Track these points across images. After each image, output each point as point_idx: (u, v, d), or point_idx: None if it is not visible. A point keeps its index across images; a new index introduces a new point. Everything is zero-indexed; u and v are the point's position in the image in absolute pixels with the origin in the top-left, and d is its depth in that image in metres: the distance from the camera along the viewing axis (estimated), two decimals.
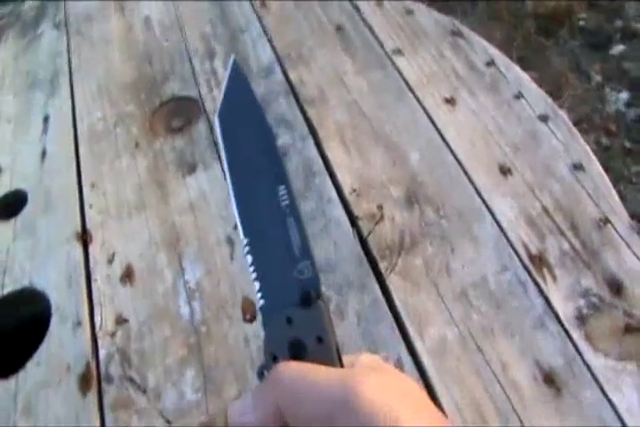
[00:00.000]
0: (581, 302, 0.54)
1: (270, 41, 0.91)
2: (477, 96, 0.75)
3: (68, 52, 1.04)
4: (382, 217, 0.64)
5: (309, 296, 0.29)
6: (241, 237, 0.33)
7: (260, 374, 0.29)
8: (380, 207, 0.65)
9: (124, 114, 0.88)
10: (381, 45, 0.85)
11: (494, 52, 0.80)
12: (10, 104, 0.98)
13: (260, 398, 0.27)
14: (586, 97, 1.51)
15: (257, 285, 0.31)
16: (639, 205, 1.30)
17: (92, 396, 0.58)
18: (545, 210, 0.61)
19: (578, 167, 0.64)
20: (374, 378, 0.25)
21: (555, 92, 1.43)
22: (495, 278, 0.57)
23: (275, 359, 0.28)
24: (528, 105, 0.72)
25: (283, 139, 0.76)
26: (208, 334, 0.60)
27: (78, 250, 0.72)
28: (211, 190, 0.73)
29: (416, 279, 0.58)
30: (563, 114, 0.70)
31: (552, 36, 1.65)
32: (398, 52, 0.84)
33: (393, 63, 0.82)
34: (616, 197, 0.60)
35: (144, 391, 0.58)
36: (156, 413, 0.56)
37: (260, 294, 0.31)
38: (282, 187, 0.33)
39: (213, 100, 0.85)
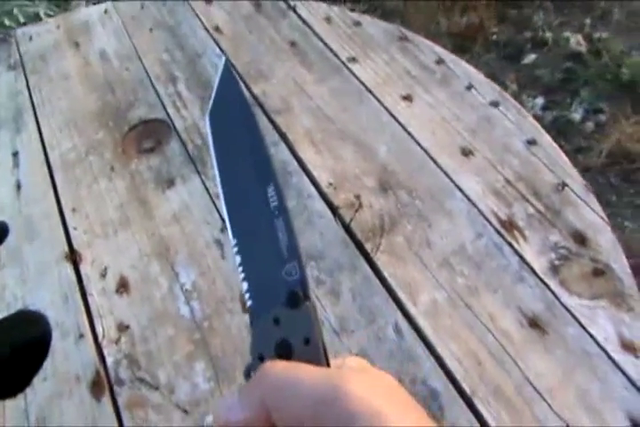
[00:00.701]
0: (552, 255, 0.62)
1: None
2: (431, 91, 0.84)
3: (29, 90, 1.10)
4: (361, 205, 0.72)
5: (297, 297, 0.30)
6: (230, 238, 0.34)
7: (247, 375, 0.29)
8: (358, 197, 0.73)
9: (94, 141, 0.94)
10: (336, 55, 0.94)
11: (441, 50, 0.90)
12: None
13: (246, 395, 0.28)
14: None
15: (245, 285, 0.32)
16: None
17: (106, 400, 0.62)
18: (507, 181, 0.70)
19: (531, 142, 0.73)
20: (362, 377, 0.26)
21: None
22: (472, 245, 0.64)
23: (261, 359, 0.29)
24: (479, 94, 0.81)
25: None
26: (211, 328, 0.65)
27: (69, 269, 0.76)
28: (192, 200, 0.79)
29: (401, 254, 0.65)
30: (511, 99, 0.79)
31: (467, 51, 1.78)
32: (352, 59, 0.93)
33: (349, 70, 0.91)
34: (569, 164, 0.69)
35: (157, 388, 0.62)
36: (172, 406, 0.60)
37: (248, 295, 0.32)
38: (271, 188, 0.33)
39: (183, 119, 0.92)
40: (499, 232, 0.65)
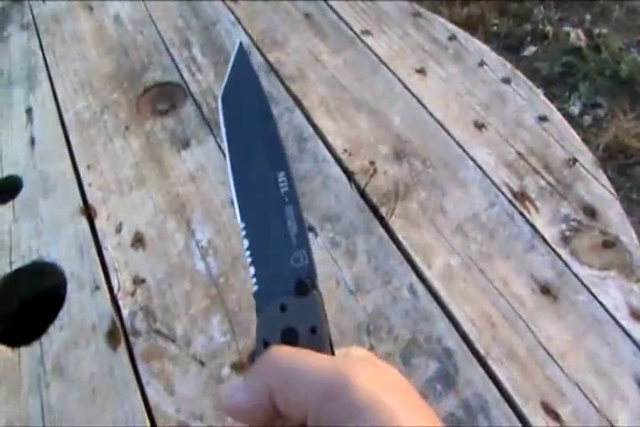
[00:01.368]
0: (563, 226, 0.60)
1: (244, 29, 0.95)
2: (444, 66, 0.81)
3: (42, 50, 1.04)
4: (375, 171, 0.69)
5: (305, 285, 0.28)
6: (238, 221, 0.32)
7: (252, 360, 0.28)
8: (372, 163, 0.70)
9: (109, 102, 0.90)
10: (350, 28, 0.91)
11: (453, 28, 0.87)
12: None
13: (251, 379, 0.26)
14: None
15: (252, 270, 0.31)
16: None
17: (122, 350, 0.60)
18: (519, 155, 0.67)
19: (543, 119, 0.71)
20: (369, 370, 0.25)
21: None
22: (485, 213, 0.62)
23: (266, 346, 0.28)
24: (491, 71, 0.79)
25: None
26: (227, 283, 0.63)
27: (84, 224, 0.73)
28: (207, 161, 0.76)
29: (415, 219, 0.63)
30: (522, 76, 0.77)
31: None
32: (367, 32, 0.89)
33: (363, 42, 0.88)
34: (579, 141, 0.67)
35: (173, 340, 0.60)
36: (189, 358, 0.58)
37: (254, 280, 0.30)
38: (282, 173, 0.32)
39: (198, 83, 0.88)
40: (511, 202, 0.63)
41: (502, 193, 0.64)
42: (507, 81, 0.76)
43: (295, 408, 0.24)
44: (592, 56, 1.60)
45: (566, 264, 0.57)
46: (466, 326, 0.54)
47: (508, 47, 1.73)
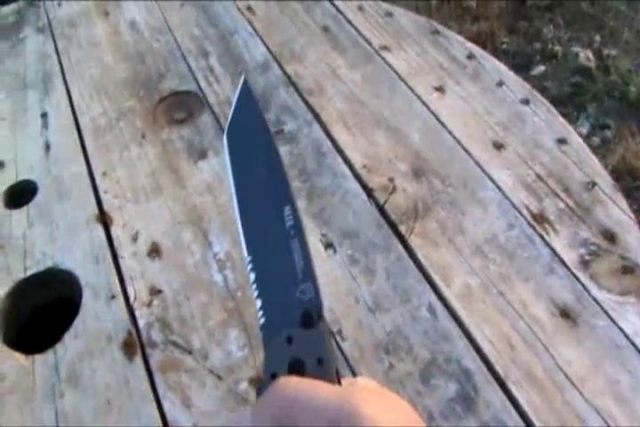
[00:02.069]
0: (582, 250, 0.61)
1: (262, 40, 0.96)
2: (463, 84, 0.82)
3: (57, 54, 1.05)
4: (395, 188, 0.70)
5: (311, 317, 0.29)
6: (244, 255, 0.33)
7: (260, 394, 0.28)
8: (392, 180, 0.71)
9: (125, 108, 0.90)
10: (368, 43, 0.92)
11: (472, 46, 0.88)
12: (3, 103, 0.97)
13: (258, 411, 0.26)
14: None
15: (259, 302, 0.31)
16: None
17: (139, 361, 0.60)
18: (539, 177, 0.68)
19: (561, 141, 0.71)
20: (376, 399, 0.25)
21: None
22: (504, 235, 0.63)
23: (274, 378, 0.28)
24: (510, 91, 0.80)
25: (289, 125, 0.80)
26: (244, 297, 0.63)
27: (100, 231, 0.73)
28: (225, 173, 0.76)
29: (434, 239, 0.64)
30: (541, 97, 0.78)
31: None
32: (385, 48, 0.90)
33: (382, 58, 0.88)
34: (598, 164, 0.68)
35: (190, 353, 0.60)
36: (206, 371, 0.58)
37: (261, 312, 0.31)
38: (287, 207, 0.33)
39: (215, 93, 0.88)
40: (530, 224, 0.63)
41: (522, 214, 0.64)
42: (525, 102, 0.77)
43: None
44: (601, 77, 1.61)
45: (585, 288, 0.57)
46: (485, 348, 0.54)
47: (517, 66, 1.74)
